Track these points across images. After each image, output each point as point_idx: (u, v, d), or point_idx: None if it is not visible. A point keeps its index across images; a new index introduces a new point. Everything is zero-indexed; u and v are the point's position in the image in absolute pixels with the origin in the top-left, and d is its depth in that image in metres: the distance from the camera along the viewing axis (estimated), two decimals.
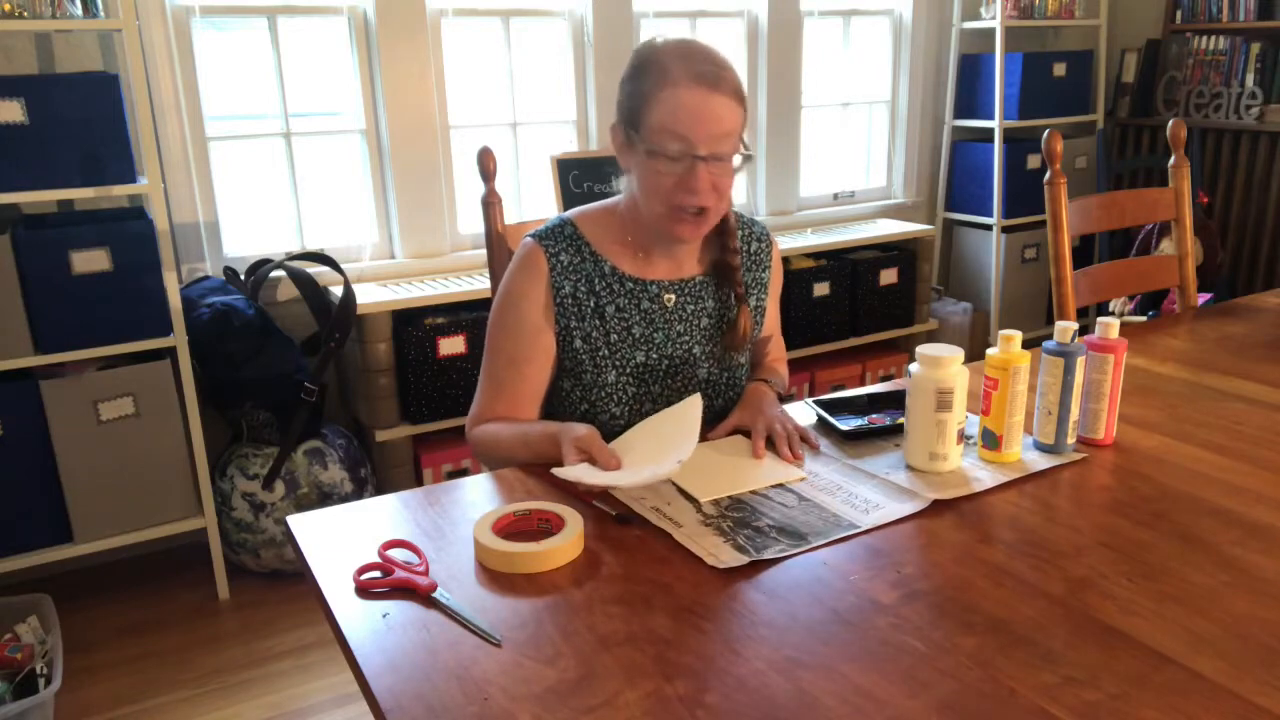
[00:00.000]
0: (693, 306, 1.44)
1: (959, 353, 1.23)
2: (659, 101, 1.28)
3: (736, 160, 1.32)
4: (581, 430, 1.25)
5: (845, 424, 1.39)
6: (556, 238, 1.41)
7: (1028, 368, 1.26)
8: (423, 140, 2.90)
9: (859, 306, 3.45)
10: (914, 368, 1.24)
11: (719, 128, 1.27)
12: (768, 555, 1.04)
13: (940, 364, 1.22)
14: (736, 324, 1.44)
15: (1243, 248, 3.70)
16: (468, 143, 3.03)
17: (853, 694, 0.83)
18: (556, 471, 1.20)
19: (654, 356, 1.42)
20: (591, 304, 1.39)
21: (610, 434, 1.33)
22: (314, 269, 2.68)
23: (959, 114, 3.89)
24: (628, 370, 1.40)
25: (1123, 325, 1.49)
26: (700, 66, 1.28)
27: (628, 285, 1.41)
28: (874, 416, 1.43)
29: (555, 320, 1.40)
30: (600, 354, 1.40)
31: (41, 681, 1.91)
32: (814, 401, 1.47)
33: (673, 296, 1.43)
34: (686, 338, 1.43)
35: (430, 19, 2.86)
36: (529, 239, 1.42)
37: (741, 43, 3.49)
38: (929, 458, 1.24)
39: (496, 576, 1.03)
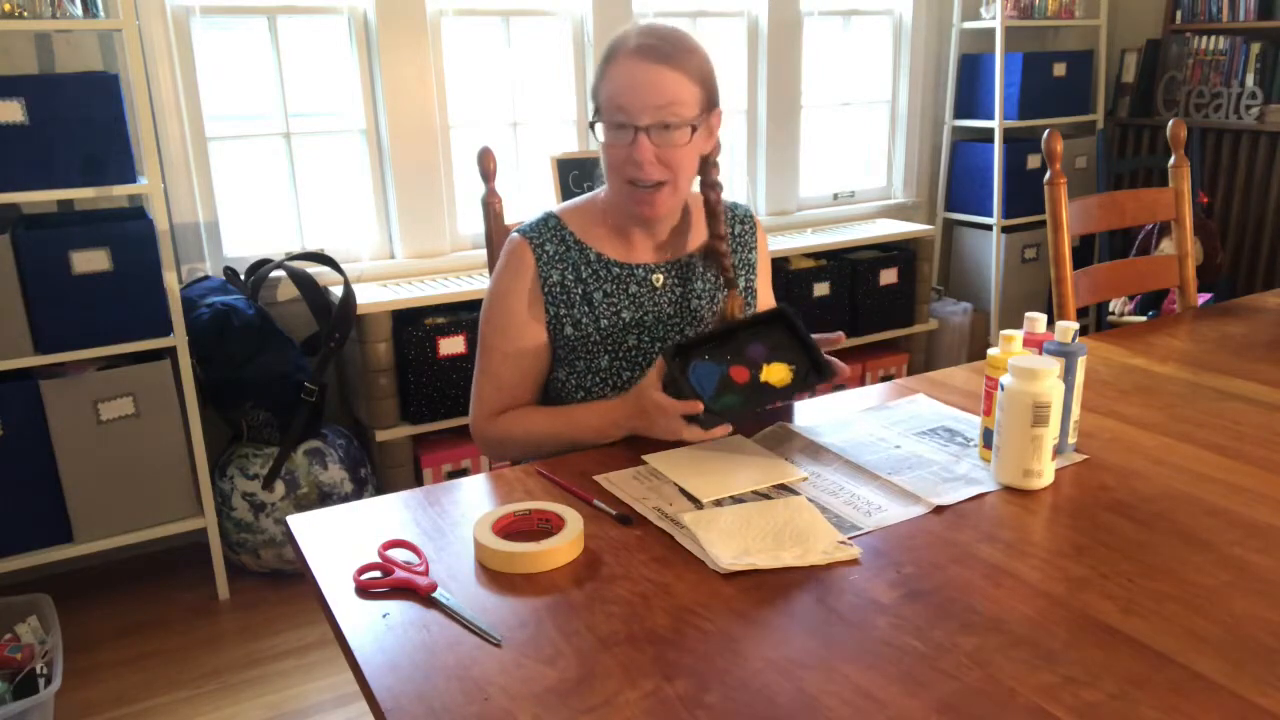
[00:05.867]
0: (681, 289, 1.46)
1: (1055, 364, 1.17)
2: (607, 74, 1.33)
3: (688, 135, 1.33)
4: (661, 400, 1.28)
5: (710, 384, 1.30)
6: (540, 230, 1.44)
7: None
8: (423, 140, 2.90)
9: (859, 306, 3.45)
10: (1007, 380, 1.19)
11: (659, 98, 1.30)
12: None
13: (1036, 376, 1.16)
14: (725, 310, 1.47)
15: (1243, 248, 3.70)
16: (468, 143, 3.03)
17: (853, 694, 0.83)
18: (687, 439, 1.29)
19: (645, 340, 1.44)
20: (580, 291, 1.42)
21: None
22: (314, 269, 2.68)
23: (959, 114, 3.89)
24: (621, 354, 1.43)
25: (1123, 325, 1.49)
26: (647, 41, 1.31)
27: (614, 270, 1.43)
28: (737, 365, 1.31)
29: (545, 309, 1.42)
30: (592, 340, 1.42)
31: (41, 681, 1.91)
32: (667, 349, 1.31)
33: (661, 276, 1.45)
34: (677, 319, 1.46)
35: (430, 19, 2.86)
36: (514, 235, 1.45)
37: (741, 43, 3.49)
38: (1023, 475, 1.19)
39: (496, 576, 1.03)
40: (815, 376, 1.33)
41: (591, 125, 1.37)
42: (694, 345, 1.34)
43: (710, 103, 1.37)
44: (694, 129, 1.34)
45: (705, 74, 1.35)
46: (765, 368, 1.33)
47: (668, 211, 1.40)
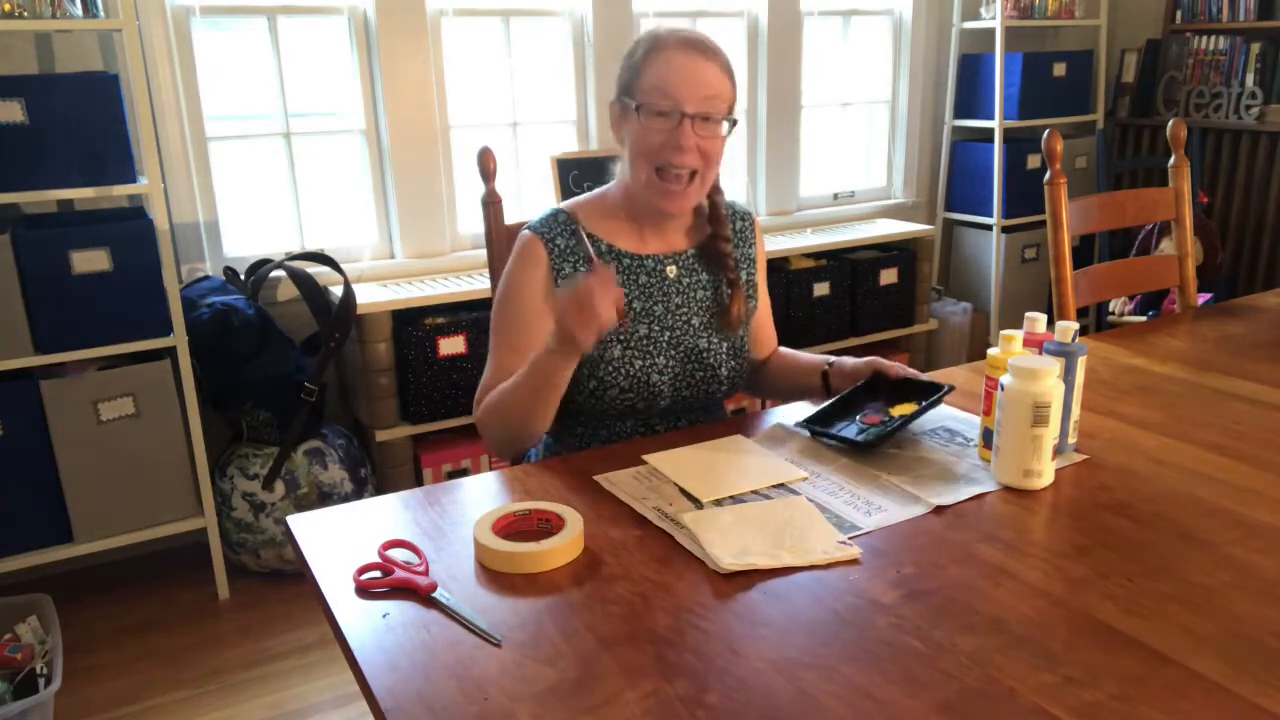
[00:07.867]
0: (689, 279, 1.50)
1: (1055, 364, 1.17)
2: (651, 63, 1.37)
3: (724, 128, 1.39)
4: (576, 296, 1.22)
5: (853, 434, 1.35)
6: (550, 225, 1.47)
7: None
8: (423, 140, 2.90)
9: (859, 306, 3.45)
10: (1007, 380, 1.19)
11: (707, 89, 1.36)
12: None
13: (1037, 376, 1.16)
14: (730, 309, 1.50)
15: (1243, 248, 3.70)
16: (468, 143, 3.03)
17: (853, 694, 0.83)
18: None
19: (655, 329, 1.46)
20: None
21: (619, 408, 1.43)
22: (314, 269, 2.68)
23: (959, 114, 3.89)
24: (632, 344, 1.45)
25: (1123, 325, 1.49)
26: (690, 36, 1.38)
27: (624, 261, 1.47)
28: (868, 415, 1.38)
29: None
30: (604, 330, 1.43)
31: (41, 681, 1.91)
32: (804, 424, 1.38)
33: (674, 268, 1.49)
34: (685, 309, 1.49)
35: (430, 19, 2.86)
36: (526, 231, 1.48)
37: (741, 43, 3.49)
38: (1023, 475, 1.19)
39: (496, 576, 1.03)
40: (937, 397, 1.38)
41: (637, 109, 1.37)
42: (822, 417, 1.40)
43: (735, 106, 1.43)
44: (730, 124, 1.40)
45: (732, 71, 1.42)
46: (892, 410, 1.39)
47: (692, 204, 1.45)
